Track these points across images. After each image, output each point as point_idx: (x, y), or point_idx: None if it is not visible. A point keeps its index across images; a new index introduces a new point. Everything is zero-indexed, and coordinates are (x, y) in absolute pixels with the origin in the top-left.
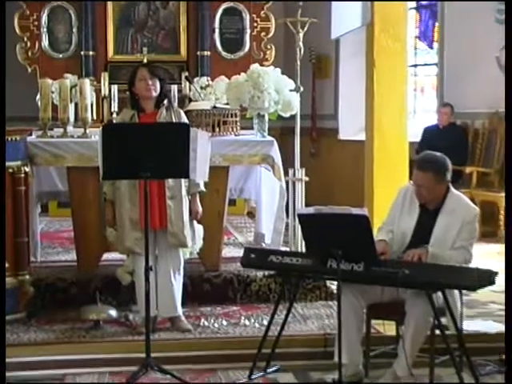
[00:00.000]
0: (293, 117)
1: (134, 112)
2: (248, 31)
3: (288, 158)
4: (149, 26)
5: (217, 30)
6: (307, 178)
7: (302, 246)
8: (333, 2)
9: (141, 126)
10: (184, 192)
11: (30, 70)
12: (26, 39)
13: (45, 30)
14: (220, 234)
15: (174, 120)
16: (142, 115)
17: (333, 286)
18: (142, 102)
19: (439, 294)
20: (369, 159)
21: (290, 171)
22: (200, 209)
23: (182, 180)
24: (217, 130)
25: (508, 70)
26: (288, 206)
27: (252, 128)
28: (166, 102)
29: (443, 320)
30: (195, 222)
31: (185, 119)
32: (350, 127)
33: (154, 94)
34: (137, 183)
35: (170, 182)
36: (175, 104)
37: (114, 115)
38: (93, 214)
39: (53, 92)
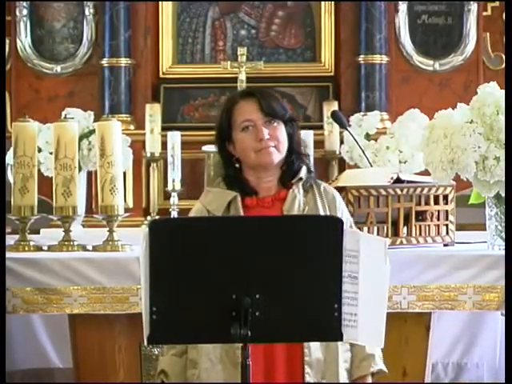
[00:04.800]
0: None
1: (234, 194)
2: (474, 9)
3: None
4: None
5: (403, 8)
6: None
7: None
8: None
9: (245, 223)
10: (344, 373)
11: None
12: None
13: (25, 13)
14: None
15: (322, 211)
16: (250, 200)
17: None
18: (249, 173)
19: None
20: None
21: None
22: None
23: (339, 348)
24: (403, 232)
25: (508, 70)
26: None
27: (482, 227)
28: (303, 172)
29: None
30: None
31: (345, 210)
32: None
33: (278, 158)
34: (239, 350)
35: (312, 349)
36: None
37: (174, 199)
38: None
39: (41, 150)
